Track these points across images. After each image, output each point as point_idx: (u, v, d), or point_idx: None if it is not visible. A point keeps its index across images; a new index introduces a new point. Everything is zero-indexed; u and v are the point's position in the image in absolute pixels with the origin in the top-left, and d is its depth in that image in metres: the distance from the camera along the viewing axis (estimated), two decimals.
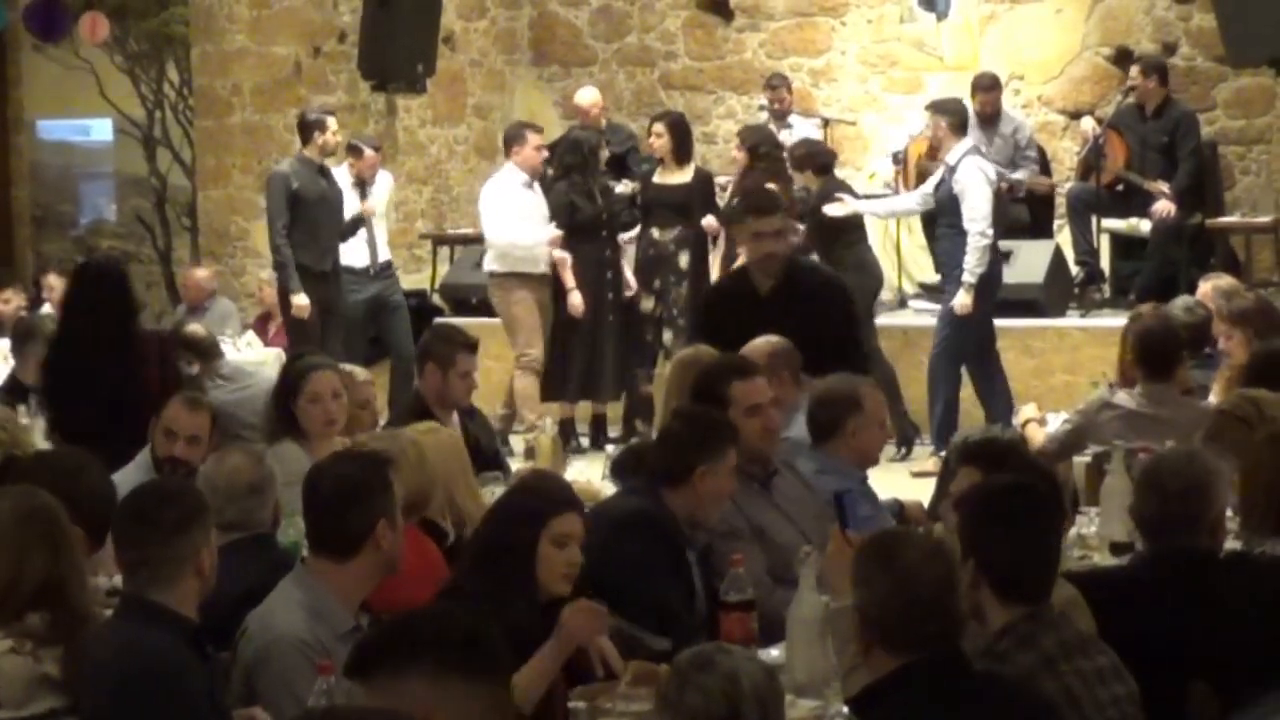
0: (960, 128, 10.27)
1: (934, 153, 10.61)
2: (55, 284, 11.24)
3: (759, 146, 10.60)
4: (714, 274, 10.58)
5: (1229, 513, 4.77)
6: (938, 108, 10.46)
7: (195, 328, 9.03)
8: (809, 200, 10.67)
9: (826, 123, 12.79)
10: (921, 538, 3.62)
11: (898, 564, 3.38)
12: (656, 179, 11.00)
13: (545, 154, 10.97)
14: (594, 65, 14.46)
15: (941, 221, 10.28)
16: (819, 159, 10.82)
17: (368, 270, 11.31)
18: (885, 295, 11.40)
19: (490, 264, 10.95)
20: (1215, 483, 4.44)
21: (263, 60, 13.10)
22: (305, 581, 4.14)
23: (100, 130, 15.25)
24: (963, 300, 9.98)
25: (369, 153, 11.48)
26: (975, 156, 10.21)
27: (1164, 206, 11.28)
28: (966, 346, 10.13)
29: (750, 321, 6.77)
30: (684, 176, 10.92)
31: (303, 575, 4.18)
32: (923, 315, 11.34)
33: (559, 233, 10.77)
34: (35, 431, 7.27)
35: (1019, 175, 11.83)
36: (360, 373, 7.01)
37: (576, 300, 10.68)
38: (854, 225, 10.71)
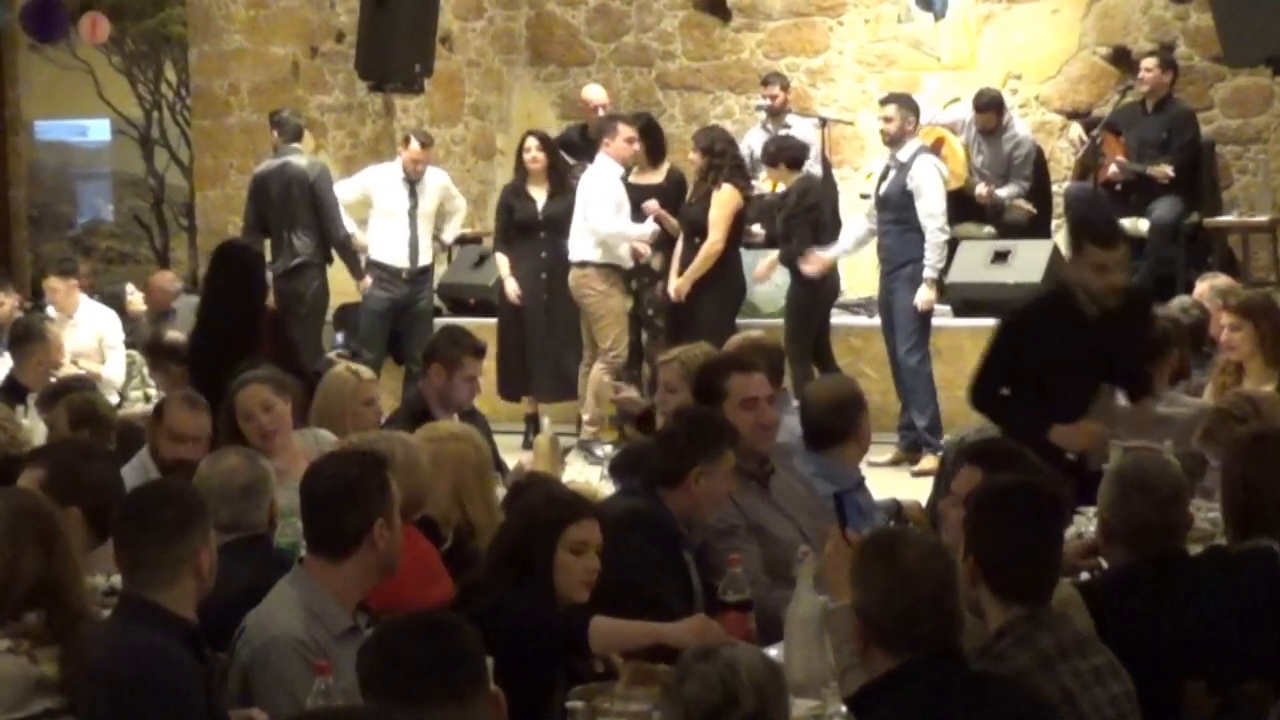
0: (916, 125, 10.34)
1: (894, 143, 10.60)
2: (57, 286, 11.24)
3: (713, 145, 10.58)
4: (672, 274, 10.63)
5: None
6: (901, 102, 10.50)
7: (174, 335, 8.95)
8: (790, 197, 10.65)
9: (824, 122, 12.79)
10: (921, 537, 3.62)
11: (897, 563, 3.38)
12: (631, 179, 11.02)
13: (637, 147, 10.93)
14: (591, 65, 14.47)
15: (886, 217, 10.33)
16: (790, 153, 10.79)
17: (401, 273, 11.26)
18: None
19: (586, 253, 10.70)
20: (1188, 484, 4.58)
21: (260, 60, 13.10)
22: (302, 582, 4.14)
23: (98, 130, 15.27)
24: (925, 296, 10.16)
25: (414, 146, 11.45)
26: (928, 154, 10.32)
27: (1164, 168, 11.26)
28: (929, 339, 10.35)
29: (1075, 344, 6.50)
30: (657, 177, 10.94)
31: (300, 575, 4.18)
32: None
33: (656, 228, 10.78)
34: (35, 434, 7.27)
35: (1003, 192, 11.89)
36: (365, 371, 7.02)
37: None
38: (834, 227, 10.75)
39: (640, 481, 5.15)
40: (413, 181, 11.34)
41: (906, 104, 10.44)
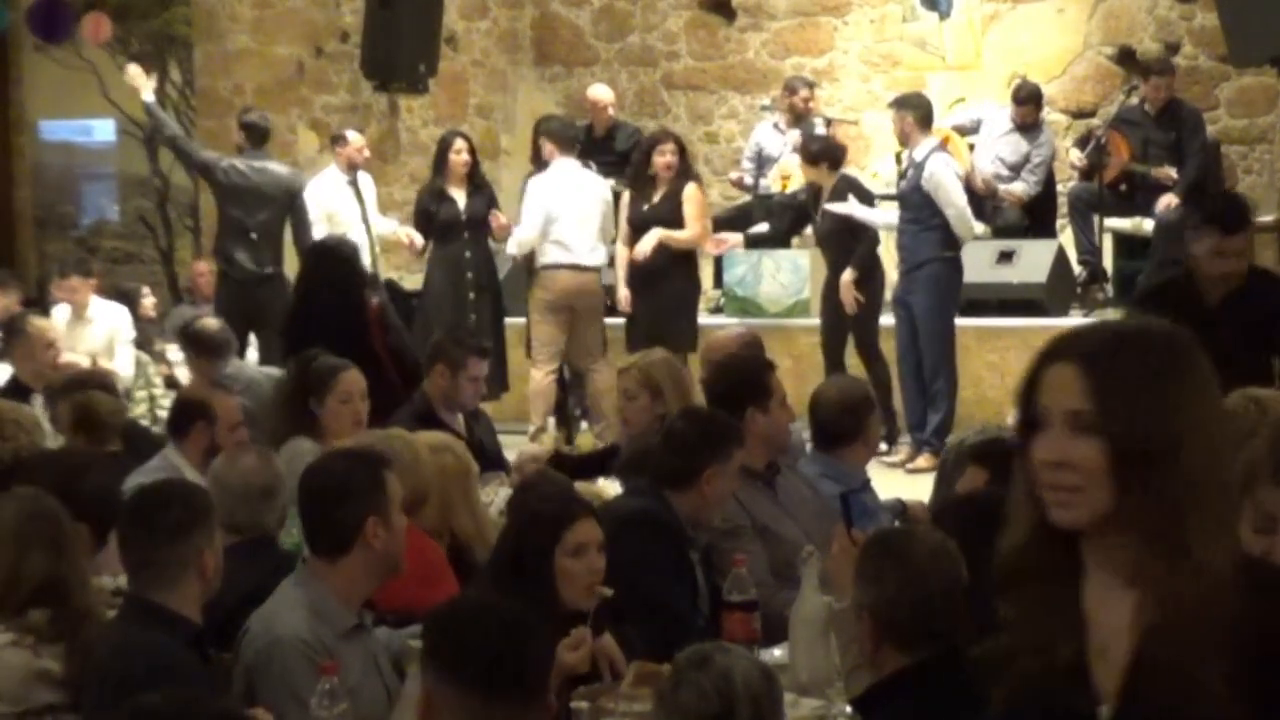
0: (925, 122, 10.33)
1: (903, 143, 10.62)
2: (78, 285, 11.24)
3: (680, 146, 10.69)
4: (620, 278, 10.68)
5: None
6: (903, 103, 10.50)
7: (209, 321, 8.61)
8: (840, 190, 10.61)
9: (829, 122, 12.79)
10: (929, 534, 3.61)
11: (908, 560, 3.37)
12: None
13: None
14: (596, 65, 14.47)
15: (904, 216, 10.32)
16: (835, 154, 10.79)
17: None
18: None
19: (600, 258, 10.65)
20: None
21: (265, 61, 13.11)
22: (305, 582, 4.14)
23: (102, 131, 15.24)
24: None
25: (356, 137, 11.34)
26: (941, 152, 10.33)
27: (1168, 201, 11.30)
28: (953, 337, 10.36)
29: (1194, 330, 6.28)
30: None
31: (303, 575, 4.17)
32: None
33: None
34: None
35: (1012, 186, 11.93)
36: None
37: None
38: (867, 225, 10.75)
39: (647, 482, 5.14)
40: (354, 183, 11.19)
41: (904, 104, 10.45)
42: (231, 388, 7.60)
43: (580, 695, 4.01)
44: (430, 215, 11.02)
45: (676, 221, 10.44)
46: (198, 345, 8.40)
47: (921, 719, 3.33)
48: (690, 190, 10.48)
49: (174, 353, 10.86)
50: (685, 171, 10.56)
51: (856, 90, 13.64)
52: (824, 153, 10.71)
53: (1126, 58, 12.78)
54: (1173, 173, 11.30)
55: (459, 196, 10.98)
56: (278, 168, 10.94)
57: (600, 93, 12.46)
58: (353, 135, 11.44)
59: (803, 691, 4.00)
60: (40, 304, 11.44)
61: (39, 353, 8.63)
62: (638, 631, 4.50)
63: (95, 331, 10.88)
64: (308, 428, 6.29)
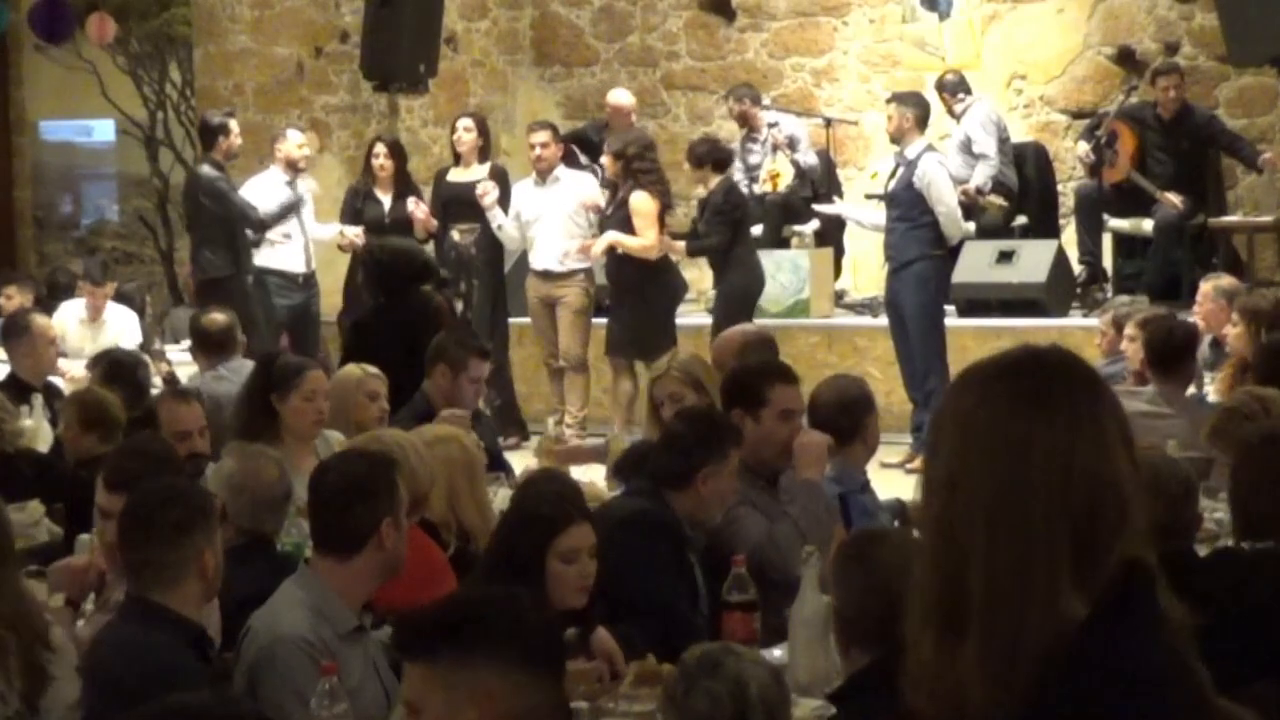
0: (922, 122, 10.33)
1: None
2: (94, 290, 11.24)
3: (625, 150, 10.49)
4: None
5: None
6: (903, 99, 10.49)
7: (219, 316, 8.44)
8: (714, 197, 10.57)
9: (829, 122, 12.79)
10: (897, 535, 3.59)
11: (870, 566, 3.34)
12: (451, 177, 11.10)
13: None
14: (596, 65, 14.47)
15: (892, 214, 10.31)
16: (718, 155, 10.74)
17: (298, 278, 11.05)
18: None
19: (584, 261, 10.73)
20: (1198, 483, 4.51)
21: (265, 61, 13.11)
22: (308, 581, 4.14)
23: (102, 131, 15.26)
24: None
25: (298, 135, 11.25)
26: (934, 152, 10.34)
27: (1173, 198, 11.29)
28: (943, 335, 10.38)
29: None
30: (480, 173, 10.97)
31: (306, 575, 4.17)
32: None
33: None
34: (40, 433, 7.24)
35: (975, 181, 11.91)
36: (368, 367, 6.99)
37: None
38: (749, 227, 10.75)
39: (646, 482, 5.14)
40: (292, 184, 11.05)
41: (905, 101, 10.44)
42: (215, 390, 7.60)
43: (580, 695, 4.01)
44: (357, 215, 11.02)
45: (625, 226, 10.35)
46: (195, 340, 8.45)
47: (888, 715, 3.32)
48: (636, 199, 10.29)
49: (174, 352, 10.87)
50: (633, 177, 10.33)
51: (856, 90, 13.63)
52: (707, 155, 10.68)
53: (1126, 58, 12.78)
54: (1177, 201, 11.27)
55: (384, 199, 11.02)
56: (198, 169, 10.83)
57: (622, 98, 12.24)
58: (292, 134, 11.30)
59: (803, 691, 3.99)
60: (46, 304, 11.44)
61: (41, 349, 8.64)
62: (638, 631, 4.50)
63: (108, 334, 10.93)
64: (268, 425, 6.26)
